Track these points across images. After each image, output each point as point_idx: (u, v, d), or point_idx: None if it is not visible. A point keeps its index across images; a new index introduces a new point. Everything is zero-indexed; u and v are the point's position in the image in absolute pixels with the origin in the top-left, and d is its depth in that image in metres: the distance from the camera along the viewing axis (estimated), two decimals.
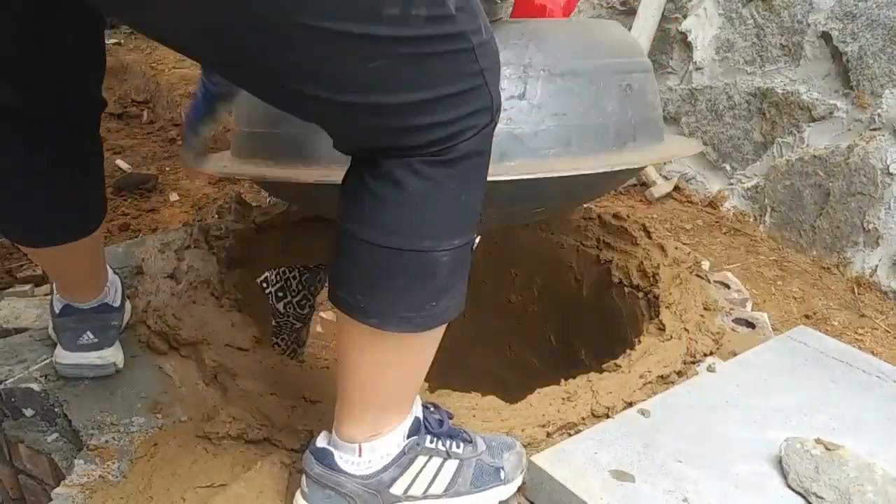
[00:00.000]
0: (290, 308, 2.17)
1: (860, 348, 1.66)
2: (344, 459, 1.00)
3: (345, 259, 0.92)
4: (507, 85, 1.23)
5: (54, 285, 1.33)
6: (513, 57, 1.24)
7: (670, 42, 2.91)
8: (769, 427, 1.20)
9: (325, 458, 1.00)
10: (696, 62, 2.82)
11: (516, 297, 2.19)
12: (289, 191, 1.46)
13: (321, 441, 1.03)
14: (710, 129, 2.78)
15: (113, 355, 1.33)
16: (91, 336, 1.31)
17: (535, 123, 1.25)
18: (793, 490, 1.07)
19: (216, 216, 1.88)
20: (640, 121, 1.36)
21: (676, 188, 2.81)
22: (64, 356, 1.31)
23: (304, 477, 1.03)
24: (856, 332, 1.94)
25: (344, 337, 0.96)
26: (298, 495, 1.03)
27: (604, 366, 1.40)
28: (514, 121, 1.24)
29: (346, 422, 1.00)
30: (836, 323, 1.98)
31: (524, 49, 1.25)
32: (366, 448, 1.00)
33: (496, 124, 0.89)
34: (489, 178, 0.93)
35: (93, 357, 1.31)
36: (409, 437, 1.02)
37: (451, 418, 1.10)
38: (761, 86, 2.61)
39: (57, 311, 1.32)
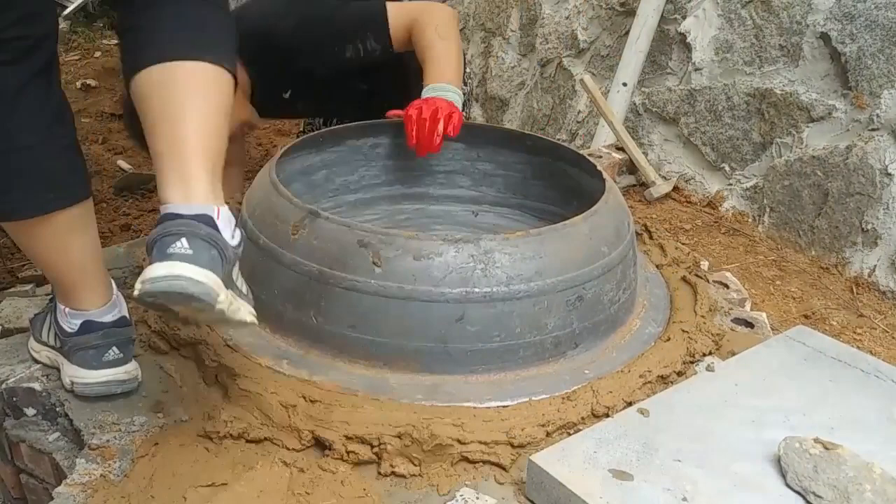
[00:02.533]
0: None
1: (859, 348, 1.67)
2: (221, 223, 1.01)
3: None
4: (446, 309, 1.27)
5: (56, 303, 1.30)
6: (457, 281, 1.26)
7: (669, 43, 2.92)
8: (768, 426, 1.20)
9: (209, 221, 1.00)
10: (694, 63, 2.82)
11: None
12: None
13: (197, 207, 1.02)
14: (709, 129, 2.79)
15: (136, 369, 1.30)
16: (117, 351, 1.28)
17: (468, 344, 1.29)
18: (791, 489, 1.08)
19: None
20: (587, 326, 1.38)
21: (675, 188, 2.82)
22: (89, 375, 1.26)
23: (182, 239, 0.99)
24: (854, 332, 1.95)
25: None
26: (178, 260, 0.97)
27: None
28: (448, 340, 1.28)
29: (189, 180, 1.03)
30: (834, 323, 1.98)
31: (470, 273, 1.27)
32: (222, 212, 1.02)
33: None
34: None
35: (120, 373, 1.28)
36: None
37: None
38: (760, 86, 2.61)
39: (73, 329, 1.27)
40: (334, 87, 2.01)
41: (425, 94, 1.72)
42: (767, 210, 2.60)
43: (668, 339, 1.45)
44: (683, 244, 2.06)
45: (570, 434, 1.22)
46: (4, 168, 1.15)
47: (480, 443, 1.18)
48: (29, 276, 1.80)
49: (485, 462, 1.18)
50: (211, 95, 1.09)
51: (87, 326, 1.27)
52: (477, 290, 1.27)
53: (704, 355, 1.42)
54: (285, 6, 1.94)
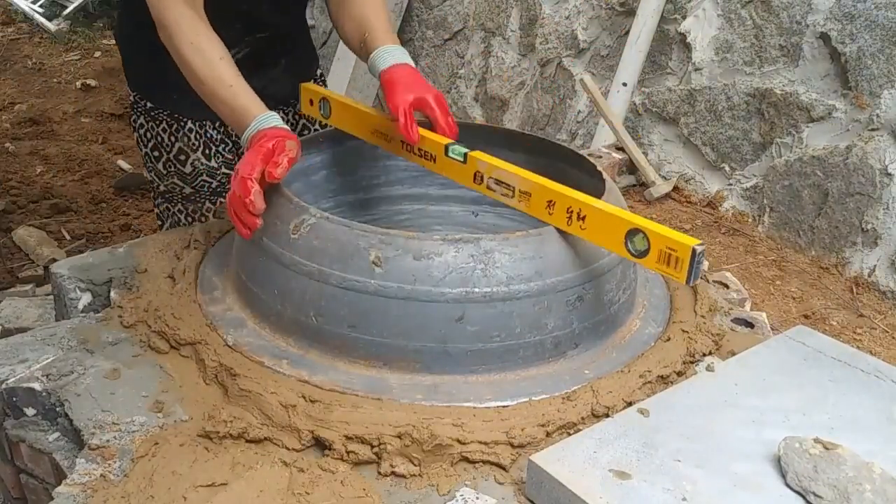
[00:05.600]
0: (170, 166, 1.89)
1: (859, 348, 1.67)
2: None
3: None
4: (446, 309, 1.26)
5: None
6: (457, 281, 1.26)
7: (669, 43, 2.92)
8: (768, 426, 1.20)
9: None
10: (694, 63, 2.82)
11: None
12: None
13: None
14: (709, 129, 2.79)
15: None
16: None
17: (468, 344, 1.29)
18: (791, 489, 1.08)
19: (217, 217, 1.88)
20: (587, 326, 1.37)
21: (675, 188, 2.82)
22: None
23: None
24: (854, 332, 1.95)
25: None
26: None
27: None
28: (448, 340, 1.28)
29: None
30: (834, 323, 1.98)
31: (470, 273, 1.27)
32: None
33: None
34: None
35: None
36: None
37: None
38: (760, 86, 2.61)
39: None
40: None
41: (391, 59, 1.50)
42: (767, 210, 2.60)
43: (668, 339, 1.45)
44: None
45: (570, 434, 1.22)
46: None
47: (480, 443, 1.18)
48: (29, 276, 1.81)
49: (485, 462, 1.18)
50: None
51: None
52: (477, 290, 1.27)
53: (704, 355, 1.42)
54: None
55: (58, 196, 3.65)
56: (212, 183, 1.90)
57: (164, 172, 1.89)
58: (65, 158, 4.06)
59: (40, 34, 6.08)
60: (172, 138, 1.84)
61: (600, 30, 3.24)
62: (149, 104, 1.84)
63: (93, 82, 5.15)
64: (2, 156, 4.06)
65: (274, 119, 1.43)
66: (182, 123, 1.83)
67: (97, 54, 5.70)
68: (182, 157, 1.86)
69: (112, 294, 1.55)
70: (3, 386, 1.32)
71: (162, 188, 1.92)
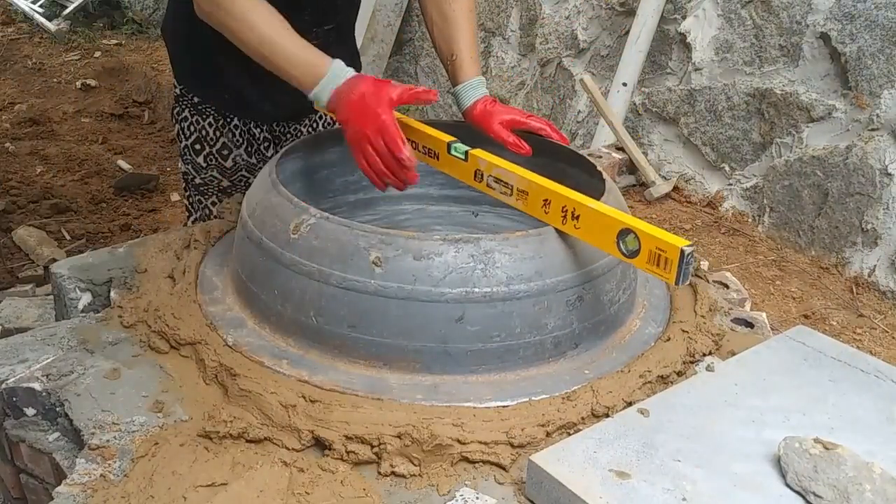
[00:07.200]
0: (211, 160, 1.92)
1: (859, 348, 1.67)
2: None
3: None
4: (446, 309, 1.27)
5: None
6: (457, 281, 1.27)
7: (669, 43, 2.92)
8: (768, 426, 1.20)
9: None
10: (694, 63, 2.82)
11: None
12: None
13: None
14: (709, 129, 2.79)
15: None
16: None
17: (468, 344, 1.29)
18: (791, 489, 1.08)
19: (217, 216, 1.88)
20: (587, 326, 1.38)
21: (675, 188, 2.82)
22: None
23: None
24: (854, 332, 1.95)
25: None
26: None
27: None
28: (448, 340, 1.28)
29: None
30: (834, 323, 1.98)
31: (470, 273, 1.27)
32: None
33: None
34: None
35: None
36: None
37: None
38: (760, 86, 2.61)
39: None
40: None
41: (475, 94, 1.63)
42: (767, 210, 2.60)
43: (668, 339, 1.45)
44: None
45: (570, 434, 1.22)
46: None
47: (480, 443, 1.18)
48: (29, 276, 1.81)
49: (485, 462, 1.18)
50: None
51: None
52: (477, 290, 1.27)
53: (704, 355, 1.42)
54: None
55: (58, 196, 3.66)
56: (249, 178, 1.96)
57: (204, 165, 1.93)
58: (65, 158, 4.06)
59: (40, 34, 6.08)
60: (217, 133, 1.89)
61: (600, 30, 3.24)
62: (196, 98, 1.87)
63: (93, 82, 5.15)
64: (2, 156, 4.06)
65: (350, 68, 1.45)
66: (228, 120, 1.88)
67: (97, 54, 5.70)
68: (225, 153, 1.91)
69: (112, 294, 1.55)
70: (3, 386, 1.32)
71: (198, 181, 1.96)
